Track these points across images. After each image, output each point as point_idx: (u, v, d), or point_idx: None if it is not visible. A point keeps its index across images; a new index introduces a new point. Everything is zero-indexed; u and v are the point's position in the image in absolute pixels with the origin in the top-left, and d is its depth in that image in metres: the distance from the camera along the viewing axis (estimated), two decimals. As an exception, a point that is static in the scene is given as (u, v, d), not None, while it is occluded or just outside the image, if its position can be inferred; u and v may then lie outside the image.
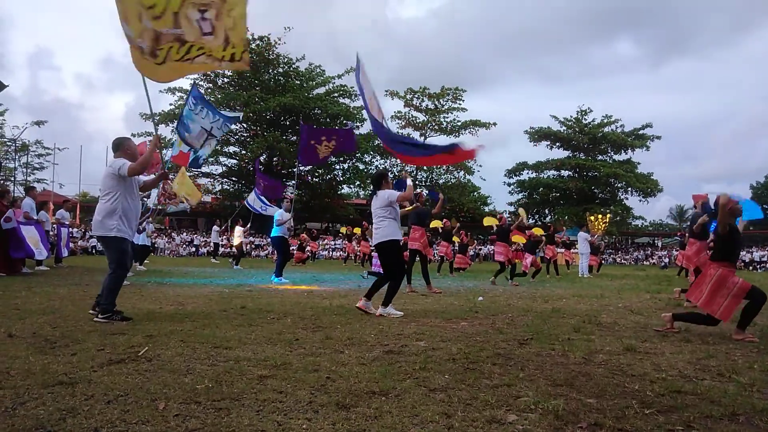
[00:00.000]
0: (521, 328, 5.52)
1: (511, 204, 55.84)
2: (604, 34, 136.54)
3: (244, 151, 43.48)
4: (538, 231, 17.42)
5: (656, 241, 60.60)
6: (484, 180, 55.90)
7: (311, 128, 13.20)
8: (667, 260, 42.89)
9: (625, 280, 16.34)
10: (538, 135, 54.01)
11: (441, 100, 48.70)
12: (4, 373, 3.14)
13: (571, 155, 54.37)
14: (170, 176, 14.28)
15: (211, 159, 41.46)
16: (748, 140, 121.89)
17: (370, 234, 8.75)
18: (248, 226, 21.25)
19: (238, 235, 20.23)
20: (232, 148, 44.22)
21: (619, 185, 53.10)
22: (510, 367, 3.67)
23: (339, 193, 46.35)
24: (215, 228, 25.76)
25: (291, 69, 44.70)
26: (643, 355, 4.24)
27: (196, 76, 42.55)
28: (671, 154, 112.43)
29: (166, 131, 41.76)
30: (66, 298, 7.14)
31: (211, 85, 44.00)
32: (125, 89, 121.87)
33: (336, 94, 44.93)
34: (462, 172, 50.20)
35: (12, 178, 37.83)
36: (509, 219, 15.86)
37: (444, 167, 49.95)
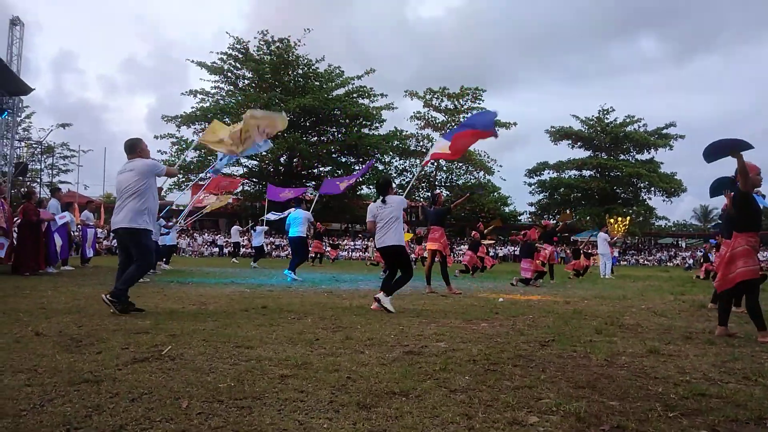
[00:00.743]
0: (542, 329, 5.48)
1: (531, 204, 55.49)
2: (627, 31, 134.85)
3: (264, 153, 43.76)
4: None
5: (680, 242, 59.75)
6: (504, 180, 55.54)
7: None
8: (691, 261, 42.28)
9: (648, 281, 16.13)
10: (559, 134, 53.58)
11: (460, 100, 48.51)
12: (32, 370, 3.21)
13: (592, 155, 53.88)
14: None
15: (231, 160, 41.83)
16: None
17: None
18: (248, 227, 21.54)
19: (256, 235, 20.46)
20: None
21: (641, 185, 52.49)
22: (531, 369, 3.65)
23: (358, 193, 46.41)
24: (236, 228, 26.00)
25: (310, 70, 44.97)
26: (667, 358, 4.18)
27: (221, 85, 43.24)
28: (695, 154, 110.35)
29: (188, 133, 42.32)
30: (90, 297, 7.26)
31: (232, 87, 44.42)
32: (147, 91, 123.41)
33: (355, 95, 45.01)
34: (482, 173, 49.98)
35: (38, 180, 38.56)
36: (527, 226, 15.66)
37: (464, 168, 49.79)
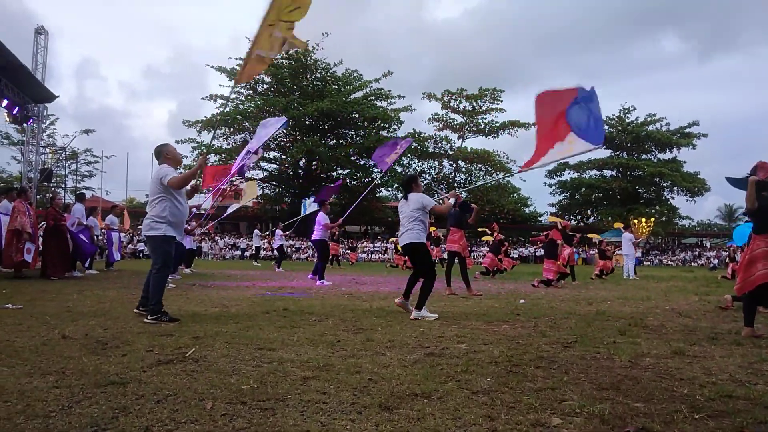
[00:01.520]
0: (564, 331, 5.44)
1: (552, 205, 55.03)
2: (648, 29, 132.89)
3: (284, 156, 44.08)
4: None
5: (704, 242, 58.80)
6: (524, 181, 55.04)
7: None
8: (716, 261, 41.56)
9: (672, 281, 15.90)
10: (579, 134, 52.99)
11: (479, 101, 48.28)
12: (60, 372, 3.27)
13: (613, 154, 53.26)
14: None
15: (252, 164, 42.18)
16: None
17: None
18: (267, 232, 21.65)
19: (277, 238, 20.59)
20: (272, 153, 44.90)
21: (664, 185, 51.76)
22: (554, 371, 3.62)
23: (377, 196, 46.43)
24: (257, 232, 26.20)
25: (328, 74, 45.12)
26: (692, 359, 4.12)
27: (240, 90, 43.49)
28: (719, 152, 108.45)
29: (208, 138, 42.72)
30: (115, 300, 7.38)
31: (251, 91, 44.77)
32: (168, 97, 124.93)
33: (373, 98, 45.05)
34: (501, 174, 49.67)
35: (63, 186, 39.25)
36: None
37: (483, 170, 49.51)
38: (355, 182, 44.88)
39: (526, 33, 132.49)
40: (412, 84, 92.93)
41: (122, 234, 18.15)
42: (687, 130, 51.37)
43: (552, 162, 7.26)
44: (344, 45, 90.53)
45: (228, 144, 43.45)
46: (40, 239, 12.16)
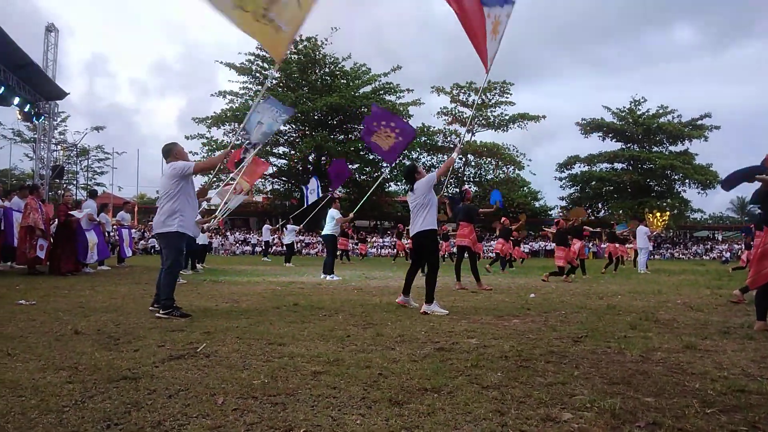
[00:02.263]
0: (575, 325, 5.42)
1: (562, 198, 54.72)
2: (661, 20, 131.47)
3: (293, 151, 44.13)
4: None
5: (716, 235, 58.30)
6: (534, 174, 54.83)
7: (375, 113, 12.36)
8: (728, 254, 41.23)
9: (684, 275, 15.79)
10: (589, 126, 52.65)
11: (488, 95, 48.03)
12: (73, 368, 3.30)
13: (624, 147, 52.82)
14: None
15: (261, 159, 42.30)
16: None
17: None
18: (278, 225, 21.59)
19: (288, 233, 20.63)
20: (281, 149, 44.98)
21: (675, 177, 51.24)
22: (564, 365, 3.61)
23: (386, 190, 46.36)
24: (267, 227, 26.28)
25: (337, 69, 45.05)
26: (704, 353, 4.09)
27: (249, 86, 43.46)
28: (732, 145, 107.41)
29: (217, 134, 42.88)
30: (127, 296, 7.44)
31: (260, 86, 44.78)
32: (178, 93, 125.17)
33: (382, 92, 44.95)
34: (512, 167, 49.46)
35: (74, 182, 39.54)
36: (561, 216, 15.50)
37: (492, 162, 49.31)
38: (364, 177, 44.84)
39: (537, 25, 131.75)
40: (420, 78, 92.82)
41: (133, 230, 18.26)
42: (699, 122, 50.84)
43: (497, 48, 7.47)
44: (353, 39, 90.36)
45: (238, 140, 43.51)
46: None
